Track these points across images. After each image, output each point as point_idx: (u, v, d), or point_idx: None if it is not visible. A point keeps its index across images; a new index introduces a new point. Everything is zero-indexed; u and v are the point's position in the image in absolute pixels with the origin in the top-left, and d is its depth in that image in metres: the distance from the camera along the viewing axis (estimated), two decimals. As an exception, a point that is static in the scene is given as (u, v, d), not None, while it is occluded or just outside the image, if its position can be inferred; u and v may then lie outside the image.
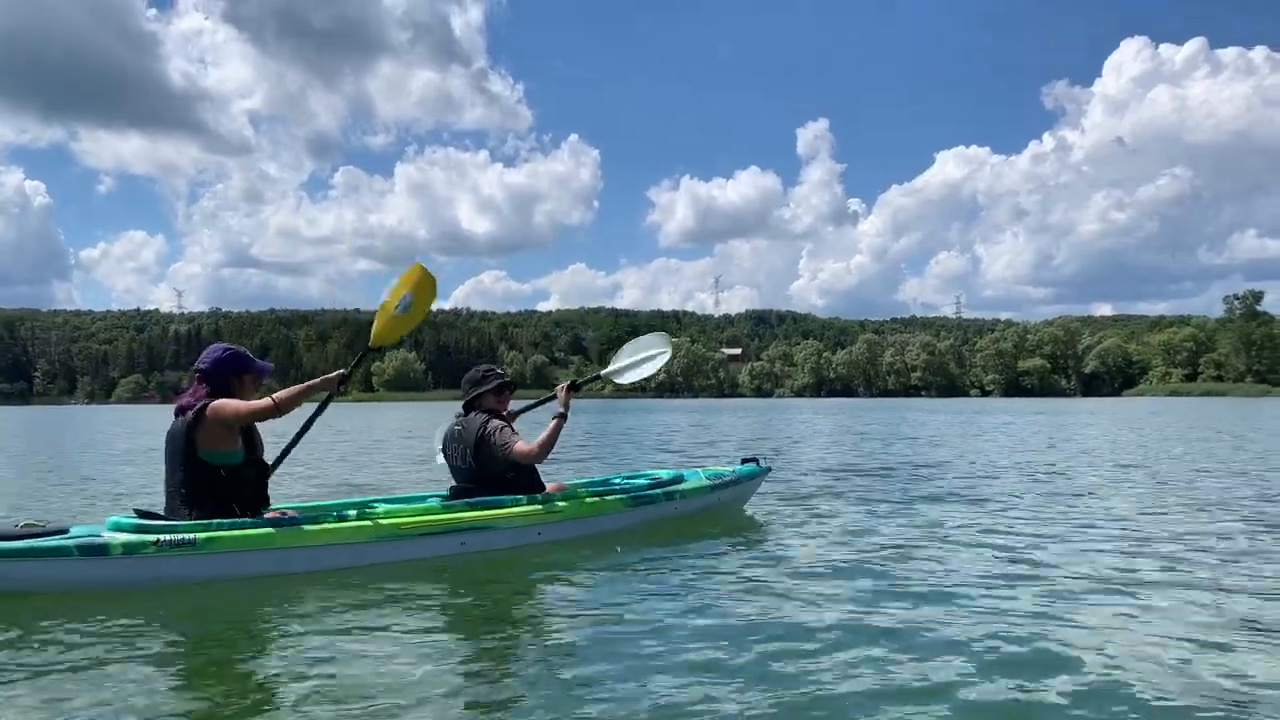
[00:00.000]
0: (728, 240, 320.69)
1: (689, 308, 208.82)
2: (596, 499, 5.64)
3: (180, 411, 4.53)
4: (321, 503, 5.55)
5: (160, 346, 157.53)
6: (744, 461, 6.88)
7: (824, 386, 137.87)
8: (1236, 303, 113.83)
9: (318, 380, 4.82)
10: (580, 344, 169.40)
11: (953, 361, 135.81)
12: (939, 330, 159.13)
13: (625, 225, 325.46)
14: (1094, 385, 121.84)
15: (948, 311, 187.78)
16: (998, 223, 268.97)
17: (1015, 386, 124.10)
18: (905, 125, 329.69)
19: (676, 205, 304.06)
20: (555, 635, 3.77)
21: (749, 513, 6.80)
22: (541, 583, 4.76)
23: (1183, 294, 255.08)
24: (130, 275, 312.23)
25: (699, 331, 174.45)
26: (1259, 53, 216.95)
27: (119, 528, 4.38)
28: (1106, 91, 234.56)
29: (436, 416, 40.89)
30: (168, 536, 4.27)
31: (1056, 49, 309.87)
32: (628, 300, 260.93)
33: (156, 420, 39.30)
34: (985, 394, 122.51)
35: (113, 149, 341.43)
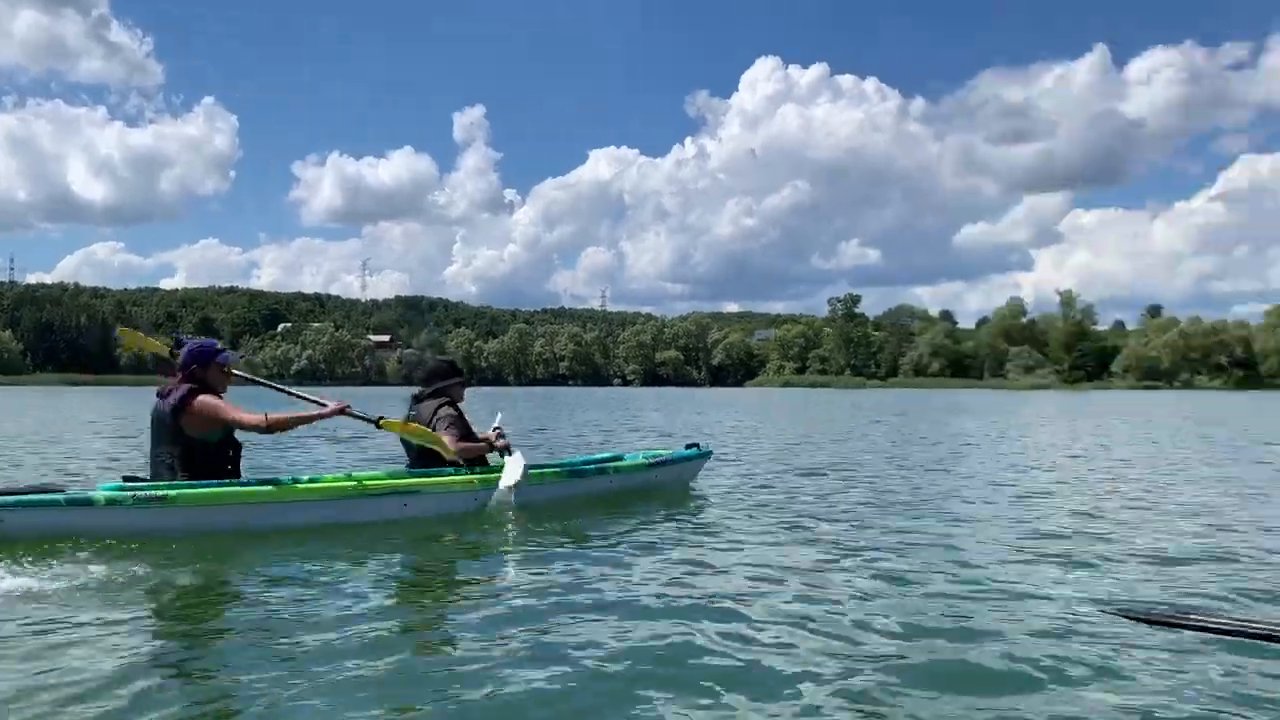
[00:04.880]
0: (378, 222, 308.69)
1: (334, 290, 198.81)
2: (535, 471, 6.25)
3: (162, 395, 5.27)
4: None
5: None
6: (687, 446, 7.77)
7: (475, 375, 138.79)
8: (839, 305, 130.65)
9: (317, 412, 5.53)
10: (210, 326, 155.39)
11: (598, 352, 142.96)
12: (585, 322, 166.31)
13: (265, 200, 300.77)
14: (721, 376, 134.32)
15: (595, 304, 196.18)
16: (643, 221, 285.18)
17: (653, 376, 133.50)
18: (561, 121, 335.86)
19: (323, 182, 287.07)
20: (472, 598, 4.17)
21: (694, 490, 7.58)
22: (476, 545, 5.34)
23: (799, 295, 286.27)
24: None
25: (344, 316, 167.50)
26: (870, 83, 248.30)
27: (106, 489, 5.06)
28: (743, 105, 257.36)
29: (59, 402, 35.68)
30: (144, 492, 4.98)
31: (701, 59, 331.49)
32: (266, 280, 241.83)
33: None
34: (627, 383, 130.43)
35: None
